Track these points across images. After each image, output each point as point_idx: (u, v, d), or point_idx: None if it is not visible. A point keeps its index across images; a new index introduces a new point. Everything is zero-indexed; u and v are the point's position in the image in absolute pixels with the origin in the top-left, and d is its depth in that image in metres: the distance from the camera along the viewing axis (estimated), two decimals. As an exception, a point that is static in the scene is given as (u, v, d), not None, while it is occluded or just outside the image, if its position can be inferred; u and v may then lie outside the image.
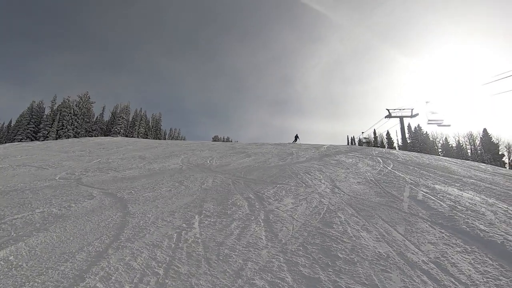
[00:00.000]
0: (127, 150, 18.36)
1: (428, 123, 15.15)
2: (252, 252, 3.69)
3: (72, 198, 6.35)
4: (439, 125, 14.72)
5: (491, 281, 3.07)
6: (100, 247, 3.79)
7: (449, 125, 14.87)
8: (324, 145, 21.76)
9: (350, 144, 50.69)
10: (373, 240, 4.08)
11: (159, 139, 63.16)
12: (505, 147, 47.04)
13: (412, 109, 23.17)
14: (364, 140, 27.26)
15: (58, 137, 54.84)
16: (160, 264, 3.34)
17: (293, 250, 3.77)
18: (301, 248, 3.82)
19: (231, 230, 4.45)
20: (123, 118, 65.23)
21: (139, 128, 66.78)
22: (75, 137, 54.13)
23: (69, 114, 57.84)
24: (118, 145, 21.99)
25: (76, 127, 58.21)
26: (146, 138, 61.03)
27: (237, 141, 39.90)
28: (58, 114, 57.55)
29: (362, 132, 26.53)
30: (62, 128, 56.79)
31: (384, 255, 3.60)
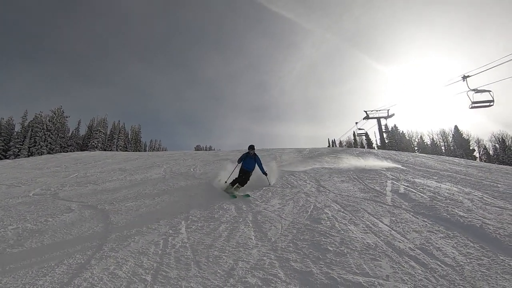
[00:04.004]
0: (106, 163, 17.72)
1: (472, 107, 13.04)
2: (242, 252, 3.63)
3: (48, 212, 6.01)
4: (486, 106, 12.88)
5: (474, 261, 3.19)
6: (82, 259, 3.59)
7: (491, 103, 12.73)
8: (306, 148, 22.05)
9: (331, 146, 51.78)
10: (360, 232, 4.14)
11: (140, 151, 61.50)
12: (475, 142, 50.11)
13: (388, 110, 24.12)
14: (359, 132, 27.53)
15: (30, 154, 52.06)
16: (147, 270, 3.21)
17: (283, 247, 3.75)
18: (291, 245, 3.81)
19: (219, 232, 4.37)
20: (100, 131, 63.11)
21: (118, 141, 64.82)
22: (49, 153, 51.62)
23: (42, 130, 55.21)
24: (96, 159, 21.18)
25: (50, 143, 55.58)
26: (126, 151, 59.25)
27: (220, 150, 39.20)
28: (30, 130, 54.80)
29: (356, 123, 27.05)
30: (35, 145, 54.03)
31: (372, 245, 3.66)
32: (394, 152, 19.06)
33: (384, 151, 19.36)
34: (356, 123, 27.54)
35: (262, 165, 7.91)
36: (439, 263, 3.16)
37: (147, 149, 73.81)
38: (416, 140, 55.42)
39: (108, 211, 5.80)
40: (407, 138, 55.56)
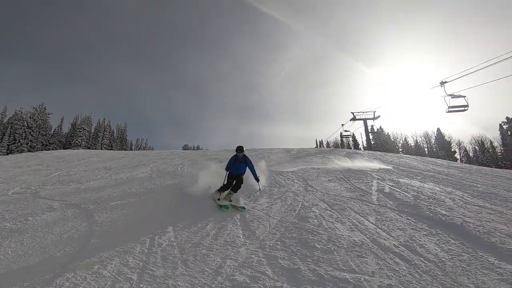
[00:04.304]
0: (90, 162, 17.25)
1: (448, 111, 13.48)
2: (230, 250, 3.62)
3: (29, 211, 5.79)
4: (461, 110, 13.34)
5: (455, 257, 3.30)
6: (64, 259, 3.48)
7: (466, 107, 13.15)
8: (294, 148, 22.21)
9: (319, 147, 52.42)
10: (347, 230, 4.21)
11: (125, 150, 60.21)
12: (456, 144, 51.98)
13: (374, 112, 24.66)
14: (345, 134, 27.97)
15: (9, 152, 50.08)
16: (133, 269, 3.15)
17: (271, 245, 3.76)
18: (279, 243, 3.82)
19: (207, 231, 4.34)
20: (84, 129, 61.41)
21: (103, 139, 63.28)
22: (29, 151, 49.77)
23: (22, 127, 53.19)
24: (80, 158, 20.58)
25: (30, 140, 53.60)
26: (111, 149, 57.91)
27: (207, 149, 38.86)
28: (9, 127, 52.70)
29: (342, 124, 27.53)
30: (14, 143, 52.01)
31: (358, 243, 3.72)
32: (379, 153, 19.47)
33: (370, 152, 19.74)
34: (342, 125, 27.97)
35: (255, 168, 6.77)
36: (422, 259, 3.25)
37: (133, 148, 72.42)
38: (401, 141, 56.90)
39: (92, 210, 5.64)
40: (392, 139, 56.94)
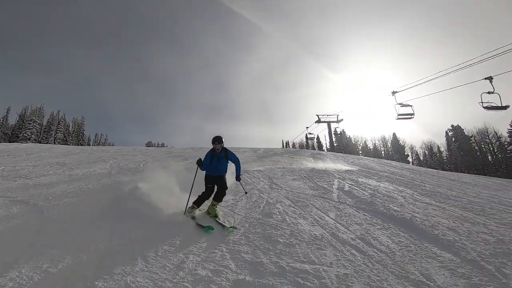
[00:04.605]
0: (40, 157, 15.82)
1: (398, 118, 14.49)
2: (193, 246, 3.57)
3: (-36, 209, 5.17)
4: (409, 118, 14.36)
5: (404, 248, 3.59)
6: (7, 258, 3.17)
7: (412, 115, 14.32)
8: (260, 148, 22.47)
9: (285, 147, 53.67)
10: (309, 225, 4.37)
11: (82, 145, 56.07)
12: (409, 148, 56.81)
13: (337, 115, 25.84)
14: (310, 136, 29.03)
15: None
16: (88, 267, 2.97)
17: (235, 240, 3.79)
18: (243, 238, 3.86)
19: (169, 227, 4.23)
20: (35, 121, 56.09)
21: (57, 133, 58.29)
22: (-33, 144, 44.22)
23: (-41, 117, 47.17)
24: (29, 152, 18.78)
25: (-32, 132, 47.70)
26: (66, 144, 53.51)
27: (173, 147, 37.59)
28: None
29: (307, 127, 28.53)
30: None
31: (319, 236, 3.89)
32: (341, 154, 20.44)
33: (333, 153, 20.64)
34: (307, 127, 29.02)
35: (240, 164, 5.37)
36: (375, 250, 3.49)
37: (91, 143, 67.72)
38: (361, 144, 60.47)
39: (42, 207, 5.20)
40: (353, 142, 60.21)
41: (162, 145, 76.42)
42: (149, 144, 76.03)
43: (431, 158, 52.49)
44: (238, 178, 5.30)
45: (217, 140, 5.05)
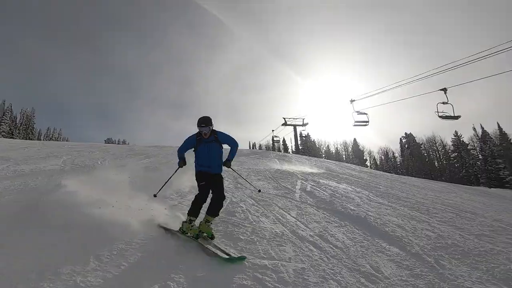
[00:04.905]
0: (-20, 150, 14.15)
1: (355, 125, 15.27)
2: (152, 245, 3.46)
3: None
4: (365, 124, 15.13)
5: (357, 243, 3.84)
6: None
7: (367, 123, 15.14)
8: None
9: (252, 149, 54.10)
10: (270, 223, 4.47)
11: (32, 139, 51.12)
12: (368, 153, 60.83)
13: (303, 119, 26.69)
14: (276, 139, 29.70)
15: None
16: (31, 267, 2.73)
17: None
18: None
19: (127, 226, 4.05)
20: (-26, 112, 50.08)
21: (1, 125, 52.64)
22: None
23: None
24: (-34, 145, 16.71)
25: None
26: (12, 137, 48.41)
27: (135, 144, 35.81)
28: None
29: (273, 130, 29.14)
30: None
31: (280, 234, 4.00)
32: (306, 157, 21.12)
33: (297, 155, 21.23)
34: (273, 130, 29.70)
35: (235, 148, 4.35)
36: (331, 246, 3.68)
37: (42, 137, 62.10)
38: (324, 148, 63.12)
39: (-22, 205, 4.67)
40: (317, 145, 62.55)
41: (124, 142, 72.55)
42: (108, 141, 71.67)
43: (386, 163, 56.40)
44: (227, 162, 4.23)
45: (205, 121, 3.82)
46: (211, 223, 3.83)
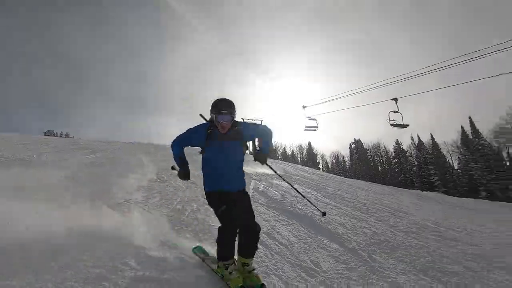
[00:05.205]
0: None
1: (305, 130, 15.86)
2: (91, 245, 3.23)
3: None
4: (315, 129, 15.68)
5: (301, 240, 4.05)
6: None
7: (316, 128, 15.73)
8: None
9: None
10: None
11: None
12: (320, 156, 64.51)
13: (261, 121, 27.15)
14: None
15: None
16: None
17: (141, 237, 3.60)
18: (150, 235, 3.70)
19: (66, 224, 3.72)
20: None
21: None
22: None
23: None
24: None
25: None
26: None
27: (80, 138, 32.94)
28: None
29: None
30: None
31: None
32: (262, 158, 21.50)
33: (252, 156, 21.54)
34: None
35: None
36: (277, 243, 3.83)
37: (-36, 127, 53.65)
38: (280, 150, 64.95)
39: None
40: (274, 147, 64.15)
41: (67, 136, 66.02)
42: (49, 133, 64.71)
43: (337, 166, 60.17)
44: (262, 155, 2.89)
45: (227, 105, 2.55)
46: (251, 265, 2.66)
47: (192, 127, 2.78)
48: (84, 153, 11.49)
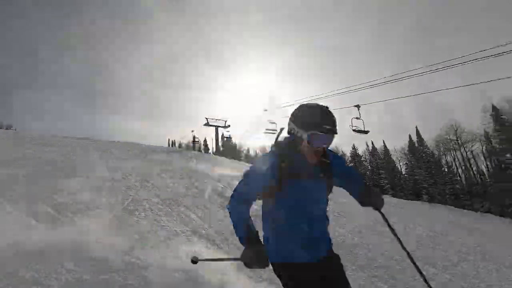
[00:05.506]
0: None
1: (265, 132, 16.15)
2: (23, 249, 3.01)
3: None
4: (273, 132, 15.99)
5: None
6: None
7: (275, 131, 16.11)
8: (142, 144, 20.92)
9: (171, 146, 51.77)
10: (172, 222, 4.44)
11: None
12: None
13: (225, 121, 27.03)
14: (196, 139, 29.43)
15: None
16: None
17: (84, 238, 3.43)
18: (95, 235, 3.54)
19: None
20: None
21: None
22: None
23: None
24: None
25: None
26: None
27: (26, 131, 29.90)
28: None
29: (192, 131, 28.76)
30: None
31: (179, 232, 4.01)
32: (225, 158, 21.47)
33: (217, 157, 21.44)
34: (192, 131, 29.50)
35: None
36: (228, 243, 3.90)
37: None
38: (244, 151, 65.49)
39: None
40: (237, 148, 64.46)
41: (9, 128, 59.25)
42: (-14, 124, 57.43)
43: (297, 169, 62.40)
44: (375, 200, 1.69)
45: (333, 120, 1.47)
46: None
47: (254, 164, 1.66)
48: (34, 146, 10.51)
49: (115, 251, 3.14)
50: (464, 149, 40.42)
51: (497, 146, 34.04)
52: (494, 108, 34.60)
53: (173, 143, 59.29)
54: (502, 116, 34.05)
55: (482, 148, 38.40)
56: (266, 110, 16.22)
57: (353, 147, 52.32)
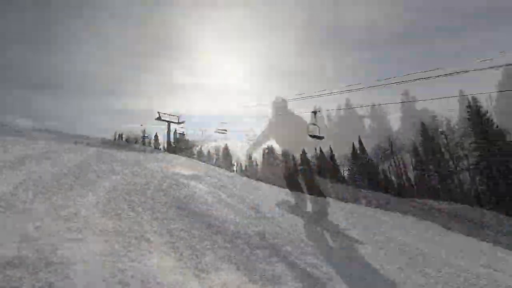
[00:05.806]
0: None
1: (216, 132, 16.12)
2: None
3: None
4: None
5: (192, 236, 4.16)
6: None
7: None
8: (82, 135, 19.24)
9: (115, 139, 48.28)
10: (105, 219, 4.20)
11: None
12: (236, 160, 66.77)
13: (179, 117, 26.30)
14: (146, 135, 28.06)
15: None
16: None
17: None
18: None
19: None
20: None
21: None
22: None
23: None
24: None
25: None
26: None
27: None
28: None
29: (141, 125, 27.37)
30: None
31: (111, 231, 3.83)
32: (176, 156, 20.80)
33: (167, 153, 20.67)
34: (141, 125, 28.14)
35: None
36: (163, 242, 3.84)
37: None
38: (197, 149, 64.53)
39: None
40: (190, 146, 63.22)
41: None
42: None
43: (251, 169, 63.13)
44: None
45: None
46: None
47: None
48: None
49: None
50: (396, 157, 45.61)
51: (423, 157, 39.46)
52: (422, 123, 39.96)
53: (120, 136, 55.56)
54: (426, 129, 39.82)
55: (412, 160, 43.98)
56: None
57: (303, 151, 55.13)
